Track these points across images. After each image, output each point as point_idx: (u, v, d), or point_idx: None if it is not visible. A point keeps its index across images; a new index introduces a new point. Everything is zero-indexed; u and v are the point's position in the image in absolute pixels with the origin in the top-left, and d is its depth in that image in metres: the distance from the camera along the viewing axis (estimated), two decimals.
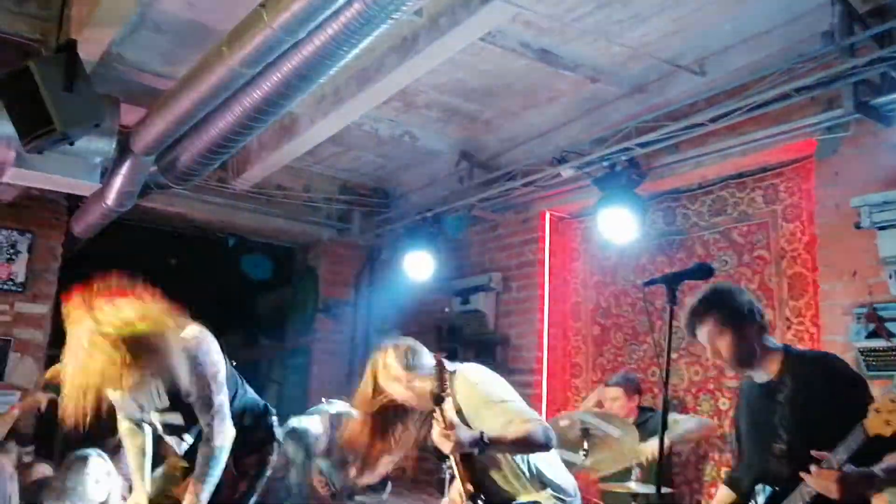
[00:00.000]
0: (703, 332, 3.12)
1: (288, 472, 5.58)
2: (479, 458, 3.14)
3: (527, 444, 3.12)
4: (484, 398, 3.23)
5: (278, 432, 3.81)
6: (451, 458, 3.17)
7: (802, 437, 2.87)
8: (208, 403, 3.34)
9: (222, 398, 3.38)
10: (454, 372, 3.37)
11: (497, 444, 3.05)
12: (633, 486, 4.67)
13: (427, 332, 7.81)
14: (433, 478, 6.25)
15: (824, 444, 2.72)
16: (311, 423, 5.75)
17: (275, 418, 3.83)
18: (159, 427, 3.58)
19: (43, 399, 5.71)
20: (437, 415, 3.03)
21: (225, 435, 3.32)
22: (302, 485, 5.61)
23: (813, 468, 2.69)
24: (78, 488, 4.10)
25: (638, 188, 5.72)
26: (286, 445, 5.39)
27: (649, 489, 4.61)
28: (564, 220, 7.17)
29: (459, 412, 3.26)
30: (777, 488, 2.96)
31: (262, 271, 9.12)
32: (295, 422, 5.73)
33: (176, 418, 3.48)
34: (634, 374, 5.86)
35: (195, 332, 3.45)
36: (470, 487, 3.18)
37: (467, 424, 3.16)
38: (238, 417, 3.57)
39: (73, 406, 3.12)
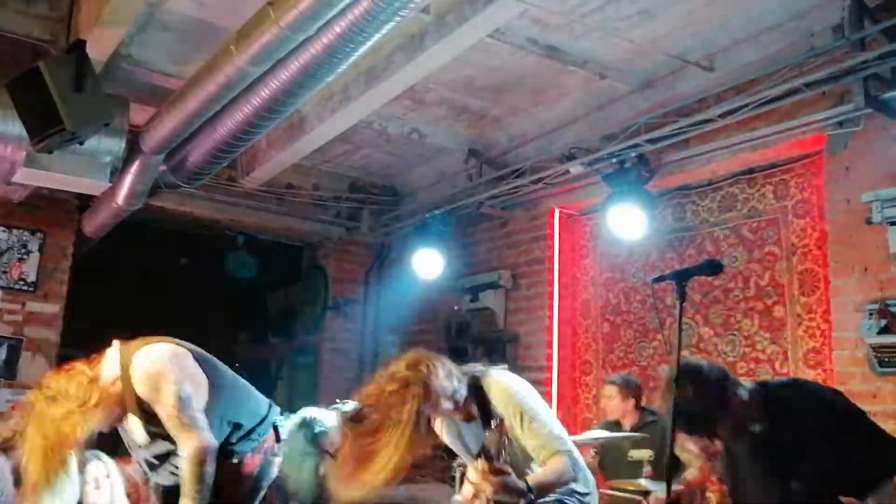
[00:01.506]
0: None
1: (299, 467, 5.55)
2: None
3: (560, 485, 3.18)
4: (519, 412, 3.20)
5: (283, 431, 3.77)
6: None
7: (819, 469, 2.78)
8: (176, 422, 3.27)
9: (192, 413, 3.29)
10: (489, 380, 3.33)
11: (540, 492, 3.03)
12: (644, 483, 4.66)
13: (436, 330, 7.81)
14: (445, 475, 6.25)
15: (843, 468, 2.70)
16: (325, 416, 5.72)
17: (279, 417, 3.79)
18: (149, 461, 3.53)
19: None
20: (482, 462, 2.98)
21: (199, 447, 3.22)
22: (311, 481, 5.58)
23: None
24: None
25: (647, 184, 5.71)
26: (295, 439, 5.38)
27: (659, 486, 4.59)
28: (574, 217, 7.15)
29: (488, 415, 3.25)
30: None
31: (247, 270, 9.12)
32: (306, 412, 5.68)
33: (162, 446, 3.43)
34: (635, 377, 5.81)
35: (143, 365, 3.36)
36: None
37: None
38: (236, 419, 3.55)
39: (35, 467, 3.19)
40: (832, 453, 2.73)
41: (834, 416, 2.88)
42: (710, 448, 4.96)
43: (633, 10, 4.89)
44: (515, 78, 5.88)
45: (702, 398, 2.85)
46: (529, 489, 2.94)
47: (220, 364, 3.64)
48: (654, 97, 5.77)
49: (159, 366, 3.34)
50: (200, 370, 3.47)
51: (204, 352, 3.59)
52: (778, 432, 2.91)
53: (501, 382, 3.31)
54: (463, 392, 3.25)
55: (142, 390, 3.31)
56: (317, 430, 5.58)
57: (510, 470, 2.97)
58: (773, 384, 3.19)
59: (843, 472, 2.68)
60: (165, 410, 3.28)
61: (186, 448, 3.23)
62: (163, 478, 3.54)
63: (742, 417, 2.90)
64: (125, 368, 3.36)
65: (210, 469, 3.23)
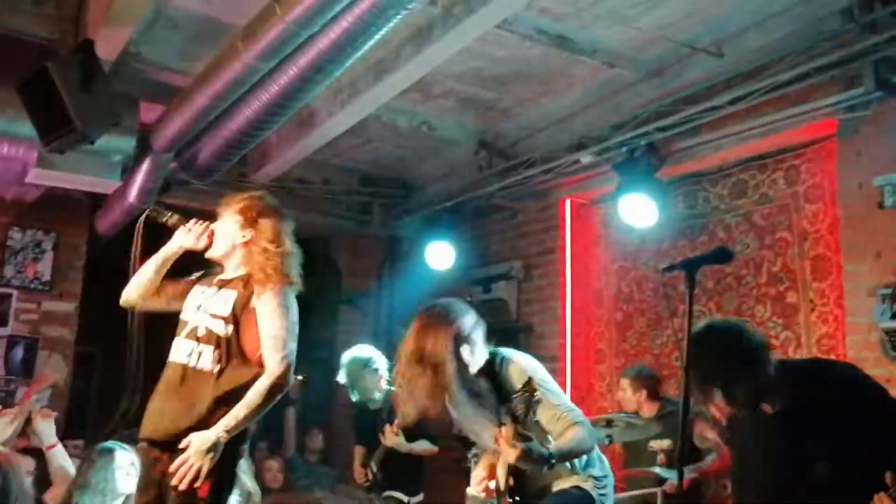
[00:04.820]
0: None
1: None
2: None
3: (579, 454, 3.28)
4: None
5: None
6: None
7: (844, 451, 2.76)
8: (273, 343, 3.38)
9: (292, 346, 3.46)
10: (502, 357, 3.49)
11: (561, 458, 3.12)
12: (658, 471, 4.67)
13: None
14: (459, 466, 6.26)
15: (868, 447, 2.69)
16: (380, 358, 5.74)
17: None
18: (198, 329, 3.53)
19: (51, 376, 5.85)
20: (506, 428, 3.02)
21: (283, 373, 3.31)
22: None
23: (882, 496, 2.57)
24: (109, 482, 4.07)
25: (658, 173, 5.70)
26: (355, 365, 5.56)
27: (673, 474, 4.60)
28: (585, 207, 7.14)
29: (499, 393, 3.37)
30: None
31: None
32: (366, 350, 5.72)
33: (218, 326, 3.47)
34: (650, 367, 5.79)
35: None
36: (511, 481, 3.20)
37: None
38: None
39: None
40: (857, 432, 2.72)
41: (856, 393, 2.89)
42: (726, 435, 4.95)
43: None
44: (524, 68, 5.87)
45: (738, 356, 2.87)
46: (551, 454, 3.02)
47: None
48: (663, 85, 5.74)
49: (287, 300, 3.62)
50: None
51: None
52: (800, 412, 2.89)
53: (515, 359, 3.49)
54: (483, 352, 3.47)
55: (264, 295, 3.51)
56: (373, 367, 5.64)
57: (532, 436, 3.04)
58: (791, 363, 3.17)
59: (869, 449, 2.67)
60: (272, 324, 3.43)
61: (273, 366, 3.31)
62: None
63: (765, 391, 2.89)
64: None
65: (274, 401, 3.28)
